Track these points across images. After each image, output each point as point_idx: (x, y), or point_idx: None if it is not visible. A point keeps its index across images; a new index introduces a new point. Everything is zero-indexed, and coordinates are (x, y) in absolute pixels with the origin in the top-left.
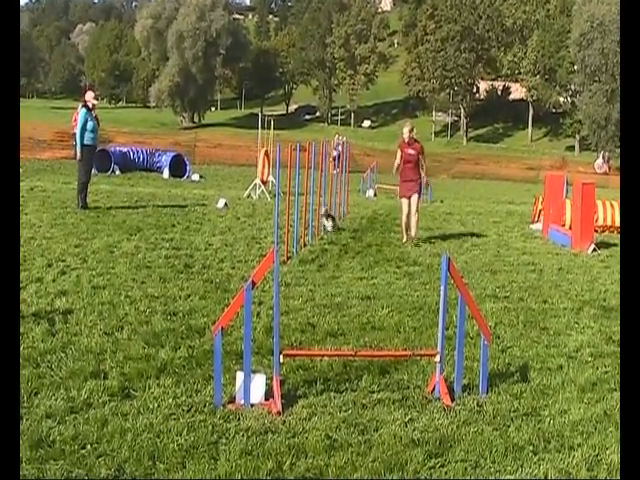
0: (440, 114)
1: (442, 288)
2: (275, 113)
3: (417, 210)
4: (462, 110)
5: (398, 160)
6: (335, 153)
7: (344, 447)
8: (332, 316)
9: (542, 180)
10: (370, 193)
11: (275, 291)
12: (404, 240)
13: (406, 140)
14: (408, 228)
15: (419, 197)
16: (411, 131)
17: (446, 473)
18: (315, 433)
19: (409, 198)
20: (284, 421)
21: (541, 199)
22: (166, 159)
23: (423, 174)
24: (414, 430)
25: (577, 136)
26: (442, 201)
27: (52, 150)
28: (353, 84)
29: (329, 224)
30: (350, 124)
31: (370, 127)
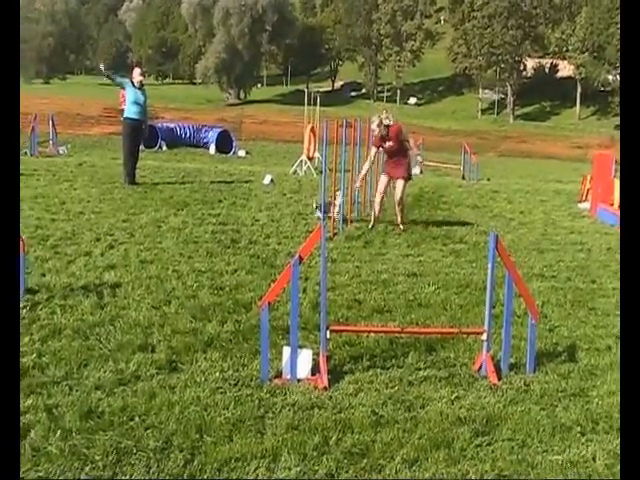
0: (487, 92)
1: (489, 266)
2: (321, 89)
3: (402, 199)
4: (509, 88)
5: (369, 162)
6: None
7: (390, 423)
8: (378, 292)
9: (590, 159)
10: (416, 170)
11: (322, 267)
12: (371, 224)
13: (378, 135)
14: (381, 209)
15: (405, 183)
16: (380, 124)
17: (493, 452)
18: (361, 409)
19: (390, 178)
20: (330, 396)
21: (589, 178)
22: (212, 135)
23: (414, 151)
24: (460, 408)
25: None
26: (489, 179)
27: (100, 126)
28: (399, 61)
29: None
30: (396, 101)
31: (416, 104)
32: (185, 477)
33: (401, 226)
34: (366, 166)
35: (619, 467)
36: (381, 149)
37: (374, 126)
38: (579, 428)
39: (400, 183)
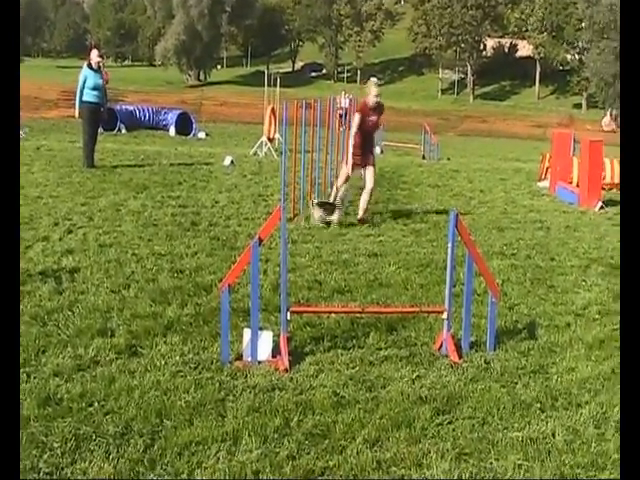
0: (447, 71)
1: (449, 245)
2: (281, 70)
3: (372, 188)
4: (469, 68)
5: (356, 127)
6: (341, 111)
7: (351, 404)
8: (339, 273)
9: (549, 138)
10: (376, 150)
11: (282, 248)
12: (337, 220)
13: (370, 104)
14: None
15: (374, 169)
16: (378, 95)
17: (453, 430)
18: (322, 390)
19: (358, 168)
20: (291, 378)
21: (548, 157)
22: (172, 117)
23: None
24: (421, 387)
25: (584, 94)
26: (449, 159)
27: (58, 109)
28: (359, 41)
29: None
30: (356, 81)
31: (377, 84)
32: (145, 462)
33: (361, 215)
34: (352, 133)
35: (578, 442)
36: (363, 120)
37: (375, 90)
38: (539, 405)
39: (370, 170)
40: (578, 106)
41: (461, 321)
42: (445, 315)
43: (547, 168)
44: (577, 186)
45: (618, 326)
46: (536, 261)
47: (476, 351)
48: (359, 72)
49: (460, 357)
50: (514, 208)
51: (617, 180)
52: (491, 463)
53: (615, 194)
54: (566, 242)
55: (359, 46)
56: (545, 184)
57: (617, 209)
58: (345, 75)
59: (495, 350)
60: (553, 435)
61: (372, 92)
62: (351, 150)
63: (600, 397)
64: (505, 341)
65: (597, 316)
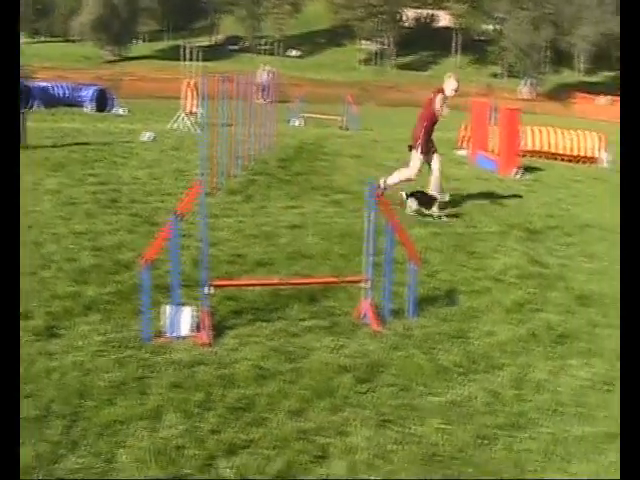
0: (366, 42)
1: (367, 215)
2: (201, 44)
3: (441, 170)
4: (389, 39)
5: (439, 106)
6: (263, 84)
7: (274, 376)
8: (261, 246)
9: (468, 107)
10: (296, 122)
11: (203, 222)
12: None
13: (450, 96)
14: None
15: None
16: (456, 90)
17: (376, 398)
18: (245, 363)
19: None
20: (214, 352)
21: (465, 126)
22: (89, 93)
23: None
24: (343, 356)
25: (504, 63)
26: (371, 129)
27: None
28: (279, 13)
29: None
30: (277, 54)
31: (297, 56)
32: (66, 444)
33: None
34: (440, 111)
35: (498, 404)
36: (435, 111)
37: (455, 83)
38: (459, 369)
39: (437, 156)
40: (498, 75)
41: (382, 290)
42: (366, 284)
43: (466, 137)
44: (497, 154)
45: (535, 289)
46: (456, 228)
47: (397, 319)
48: (280, 44)
49: (381, 325)
50: None
51: (537, 147)
52: (412, 428)
53: (533, 161)
54: (486, 209)
55: (279, 18)
56: (463, 153)
57: (535, 176)
58: (265, 47)
59: (416, 317)
60: (474, 398)
61: (452, 86)
62: (423, 137)
63: (519, 359)
64: (426, 308)
65: (515, 280)
